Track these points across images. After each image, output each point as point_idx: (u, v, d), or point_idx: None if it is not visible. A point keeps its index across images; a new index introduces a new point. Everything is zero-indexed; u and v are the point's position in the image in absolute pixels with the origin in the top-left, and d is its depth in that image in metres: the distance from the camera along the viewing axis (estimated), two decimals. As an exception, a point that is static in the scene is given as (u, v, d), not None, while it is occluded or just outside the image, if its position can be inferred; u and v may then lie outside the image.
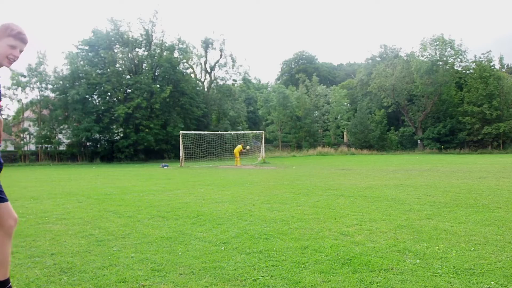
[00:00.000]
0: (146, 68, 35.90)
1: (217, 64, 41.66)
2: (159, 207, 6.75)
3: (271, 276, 3.13)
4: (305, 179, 12.05)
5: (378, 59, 51.86)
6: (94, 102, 34.56)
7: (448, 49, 43.98)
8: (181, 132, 26.23)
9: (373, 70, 48.94)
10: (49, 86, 33.70)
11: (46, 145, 33.49)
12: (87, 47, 34.47)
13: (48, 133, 33.32)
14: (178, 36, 39.53)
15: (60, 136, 34.28)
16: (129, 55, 35.62)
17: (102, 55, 33.53)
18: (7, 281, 2.56)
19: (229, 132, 34.70)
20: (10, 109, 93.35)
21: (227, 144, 31.22)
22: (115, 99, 34.34)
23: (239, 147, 24.51)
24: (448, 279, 2.98)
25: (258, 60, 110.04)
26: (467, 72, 44.84)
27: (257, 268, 3.32)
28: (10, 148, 41.70)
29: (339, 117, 47.47)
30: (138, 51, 36.28)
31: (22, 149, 33.15)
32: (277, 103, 44.56)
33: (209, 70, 42.08)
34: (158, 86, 34.46)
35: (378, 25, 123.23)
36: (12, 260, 3.63)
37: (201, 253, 3.79)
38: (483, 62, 43.11)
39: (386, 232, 4.53)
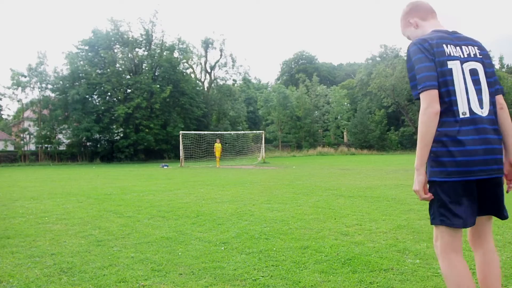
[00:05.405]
0: (146, 68, 35.88)
1: (217, 64, 41.67)
2: (159, 207, 6.75)
3: (271, 276, 3.13)
4: (305, 179, 12.04)
5: (378, 59, 51.79)
6: (94, 102, 34.53)
7: (448, 49, 43.92)
8: (181, 132, 26.22)
9: (373, 70, 48.86)
10: (49, 86, 33.68)
11: (46, 145, 33.45)
12: (87, 47, 34.43)
13: (48, 133, 33.28)
14: (178, 36, 39.67)
15: (60, 136, 34.23)
16: (129, 55, 35.58)
17: (102, 55, 33.50)
18: None
19: (229, 132, 34.69)
20: (10, 109, 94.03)
21: (227, 144, 31.20)
22: (115, 99, 34.32)
23: (219, 146, 23.45)
24: (448, 279, 2.98)
25: (258, 60, 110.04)
26: (467, 72, 44.76)
27: (257, 268, 3.32)
28: (10, 148, 41.67)
29: (339, 117, 47.44)
30: (138, 51, 36.24)
31: (22, 149, 33.11)
32: (277, 103, 44.55)
33: (209, 70, 42.08)
34: (158, 86, 34.43)
35: (378, 25, 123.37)
36: (12, 260, 3.63)
37: (201, 253, 3.79)
38: (483, 62, 43.03)
39: (386, 232, 4.53)
